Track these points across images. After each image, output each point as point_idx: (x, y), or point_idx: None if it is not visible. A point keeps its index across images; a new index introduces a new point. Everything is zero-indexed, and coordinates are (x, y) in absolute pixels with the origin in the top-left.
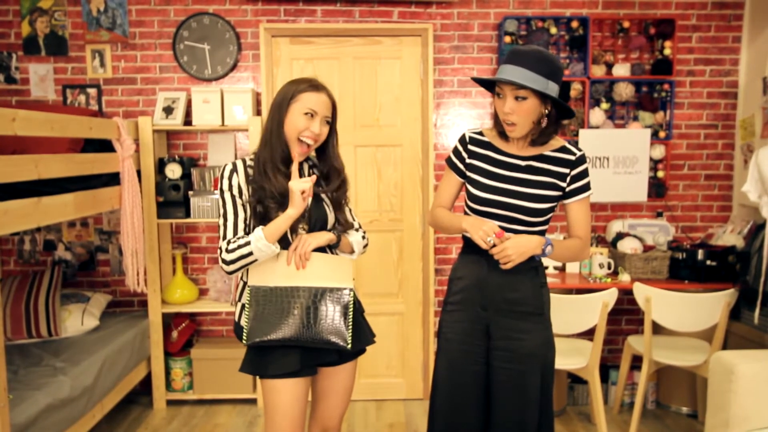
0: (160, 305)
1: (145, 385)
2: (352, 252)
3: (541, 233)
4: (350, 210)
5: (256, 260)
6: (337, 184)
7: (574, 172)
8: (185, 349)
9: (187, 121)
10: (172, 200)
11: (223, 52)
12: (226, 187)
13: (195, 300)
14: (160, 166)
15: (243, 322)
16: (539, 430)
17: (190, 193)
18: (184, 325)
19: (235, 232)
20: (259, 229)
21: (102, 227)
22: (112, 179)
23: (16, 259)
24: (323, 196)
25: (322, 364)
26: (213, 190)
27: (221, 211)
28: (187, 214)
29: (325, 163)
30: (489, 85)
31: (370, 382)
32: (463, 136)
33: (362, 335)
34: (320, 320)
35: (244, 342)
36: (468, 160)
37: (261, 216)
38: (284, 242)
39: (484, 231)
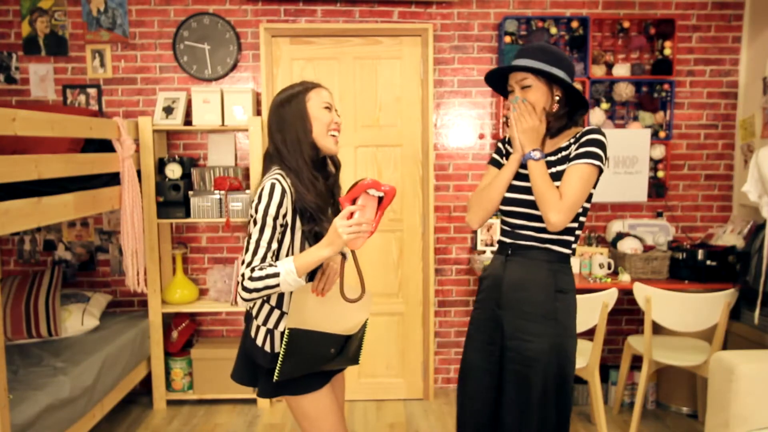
0: (160, 305)
1: (145, 385)
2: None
3: (571, 231)
4: None
5: (278, 291)
6: (335, 171)
7: (580, 141)
8: (185, 349)
9: (187, 121)
10: (172, 200)
11: (223, 52)
12: (273, 211)
13: (195, 300)
14: (160, 166)
15: (275, 351)
16: None
17: (190, 193)
18: (184, 325)
19: (262, 261)
20: (290, 262)
21: (102, 227)
22: (112, 179)
23: (16, 259)
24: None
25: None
26: (213, 190)
27: (255, 233)
28: (187, 214)
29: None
30: (502, 90)
31: (370, 382)
32: (505, 136)
33: None
34: (345, 354)
35: (276, 378)
36: (503, 159)
37: (316, 236)
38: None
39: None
